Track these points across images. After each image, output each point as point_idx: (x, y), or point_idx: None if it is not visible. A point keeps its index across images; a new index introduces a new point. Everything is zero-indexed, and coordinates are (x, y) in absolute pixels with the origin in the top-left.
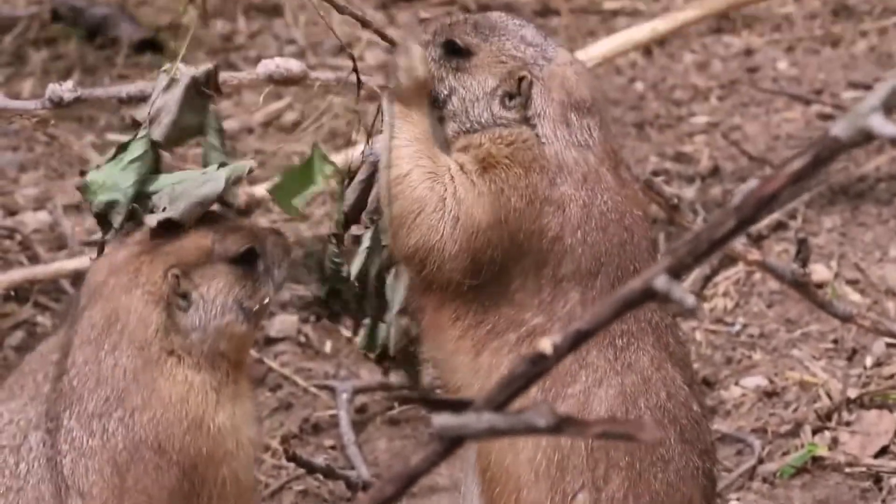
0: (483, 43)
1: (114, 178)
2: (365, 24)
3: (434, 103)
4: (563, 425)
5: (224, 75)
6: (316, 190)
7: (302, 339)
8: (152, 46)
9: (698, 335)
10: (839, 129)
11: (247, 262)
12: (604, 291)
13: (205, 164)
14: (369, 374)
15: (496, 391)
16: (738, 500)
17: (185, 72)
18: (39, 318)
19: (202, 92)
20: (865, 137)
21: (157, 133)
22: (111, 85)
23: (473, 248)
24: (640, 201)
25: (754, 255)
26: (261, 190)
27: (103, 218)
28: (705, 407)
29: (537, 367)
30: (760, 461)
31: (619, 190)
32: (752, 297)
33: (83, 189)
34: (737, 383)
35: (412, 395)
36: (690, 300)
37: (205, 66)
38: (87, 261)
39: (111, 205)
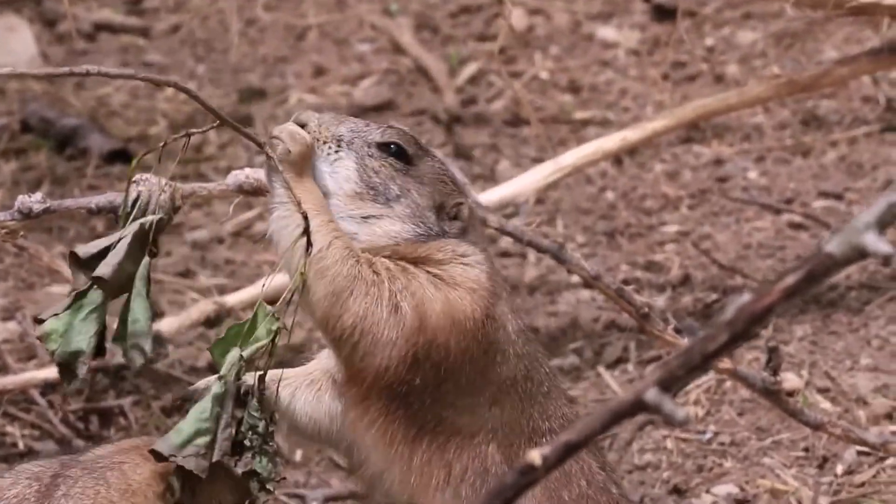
0: (426, 157)
1: (74, 328)
2: (221, 119)
3: (372, 198)
4: None
5: (194, 186)
6: (259, 343)
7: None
8: (122, 157)
9: (669, 443)
10: (833, 245)
11: None
12: (531, 395)
13: (125, 312)
14: (340, 483)
15: (485, 500)
16: None
17: (135, 222)
18: (9, 428)
19: (144, 241)
20: (859, 254)
21: (103, 272)
22: (81, 196)
23: (415, 343)
24: None
25: (725, 363)
26: (231, 299)
27: (66, 368)
28: (623, 487)
29: (526, 478)
30: None
31: None
32: (724, 405)
33: (43, 338)
34: (708, 491)
35: None
36: (681, 413)
37: (155, 217)
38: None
39: (75, 355)
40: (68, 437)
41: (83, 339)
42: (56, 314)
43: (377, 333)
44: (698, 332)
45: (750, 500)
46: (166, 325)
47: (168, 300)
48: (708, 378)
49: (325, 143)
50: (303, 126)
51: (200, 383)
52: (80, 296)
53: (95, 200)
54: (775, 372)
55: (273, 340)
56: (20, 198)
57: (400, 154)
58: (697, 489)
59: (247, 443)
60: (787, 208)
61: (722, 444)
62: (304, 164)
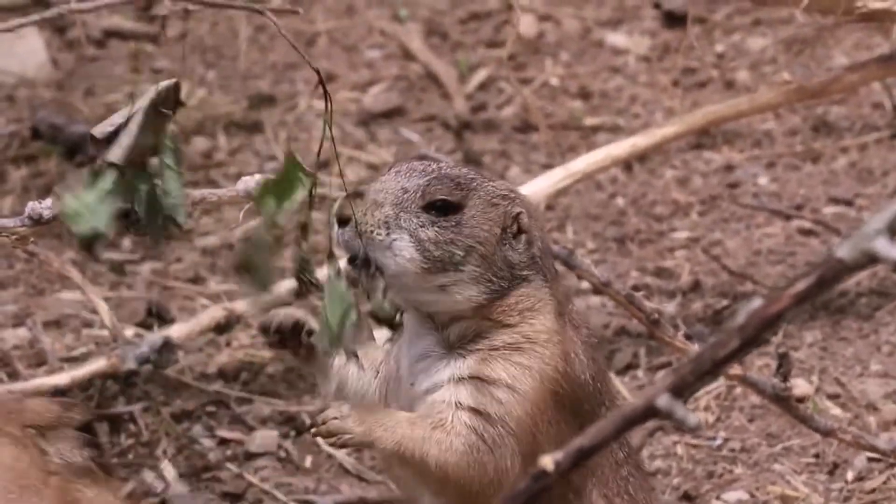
0: (469, 192)
1: (93, 209)
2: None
3: (441, 269)
4: None
5: (204, 192)
6: (295, 201)
7: (282, 454)
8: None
9: (679, 449)
10: (844, 251)
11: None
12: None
13: (153, 189)
14: (349, 489)
15: None
16: None
17: (147, 93)
18: None
19: (161, 111)
20: (869, 260)
21: (115, 155)
22: None
23: (531, 436)
24: None
25: (735, 369)
26: (241, 305)
27: (87, 248)
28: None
29: (539, 484)
30: None
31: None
32: (734, 412)
33: (63, 217)
34: (718, 497)
35: None
36: (693, 419)
37: (166, 83)
38: (67, 377)
39: (94, 237)
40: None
41: (101, 220)
42: (76, 194)
43: (504, 480)
44: (709, 337)
45: None
46: (176, 330)
47: (178, 306)
48: (718, 384)
49: (373, 231)
50: (345, 220)
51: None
52: (97, 176)
53: None
54: (785, 378)
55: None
56: (30, 204)
57: (446, 208)
58: (708, 495)
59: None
60: (797, 214)
61: (732, 450)
62: (364, 414)
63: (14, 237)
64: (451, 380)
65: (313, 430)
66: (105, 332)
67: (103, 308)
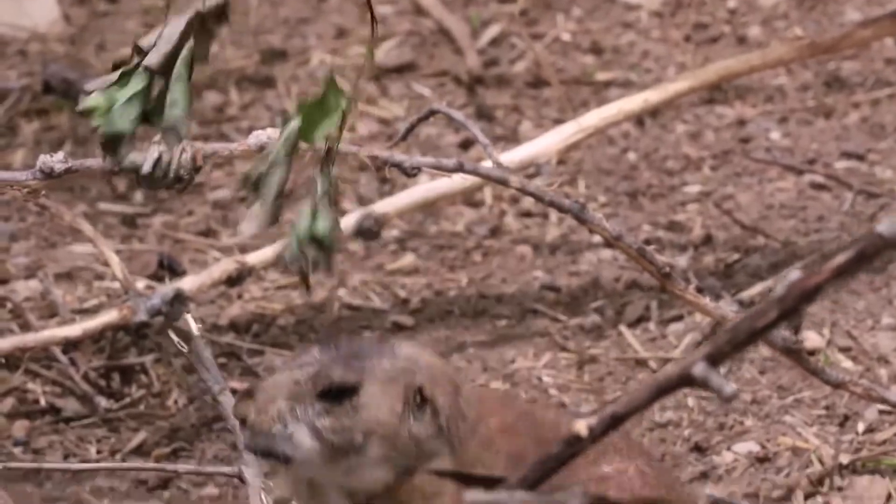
0: (364, 373)
1: (117, 110)
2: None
3: (343, 455)
4: None
5: (216, 146)
6: (332, 122)
7: None
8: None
9: (690, 401)
10: (884, 227)
11: None
12: None
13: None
14: None
15: (530, 471)
16: None
17: (193, 3)
18: (30, 386)
19: (205, 26)
20: None
21: (152, 60)
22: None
23: None
24: None
25: None
26: (253, 258)
27: (109, 148)
28: None
29: (572, 449)
30: None
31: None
32: (745, 364)
33: (86, 112)
34: (729, 448)
35: (444, 471)
36: (729, 388)
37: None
38: (78, 329)
39: (118, 136)
40: (90, 395)
41: (125, 121)
42: (99, 90)
43: None
44: (720, 291)
45: (771, 457)
46: (188, 283)
47: (190, 259)
48: None
49: (270, 427)
50: (244, 419)
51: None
52: (125, 76)
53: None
54: (797, 331)
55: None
56: (42, 157)
57: (341, 393)
58: (718, 447)
59: None
60: (809, 169)
61: (743, 402)
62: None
63: (26, 190)
64: None
65: None
66: (117, 285)
67: (115, 261)
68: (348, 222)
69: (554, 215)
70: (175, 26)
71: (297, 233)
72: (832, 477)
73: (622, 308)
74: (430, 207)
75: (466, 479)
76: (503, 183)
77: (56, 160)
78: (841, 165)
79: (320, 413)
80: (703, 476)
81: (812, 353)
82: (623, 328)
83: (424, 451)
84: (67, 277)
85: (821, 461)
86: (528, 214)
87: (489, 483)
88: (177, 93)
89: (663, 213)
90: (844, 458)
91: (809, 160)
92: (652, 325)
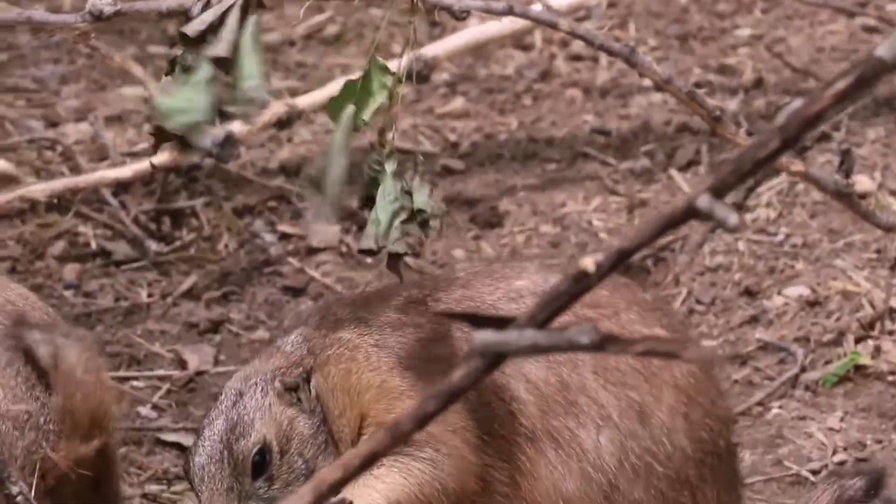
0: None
1: (188, 101)
2: None
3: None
4: (605, 343)
5: None
6: (377, 102)
7: (343, 248)
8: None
9: (741, 245)
10: (883, 50)
11: None
12: None
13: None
14: None
15: (538, 309)
16: (780, 408)
17: None
18: (81, 228)
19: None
20: None
21: (222, 49)
22: None
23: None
24: None
25: (798, 165)
26: (303, 101)
27: (188, 143)
28: None
29: (579, 286)
30: (803, 370)
31: None
32: (796, 208)
33: (163, 117)
34: (779, 293)
35: (455, 313)
36: (733, 219)
37: None
38: (129, 171)
39: (193, 127)
40: (140, 238)
41: (202, 111)
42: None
43: None
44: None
45: (821, 301)
46: (238, 126)
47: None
48: (780, 180)
49: None
50: None
51: None
52: (188, 70)
53: (167, 3)
54: (848, 174)
55: (390, 98)
56: (91, 0)
57: (262, 463)
58: (769, 291)
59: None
60: (861, 11)
61: (794, 245)
62: None
63: (76, 33)
64: None
65: None
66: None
67: None
68: (398, 66)
69: (604, 59)
70: (231, 14)
71: (382, 217)
72: (883, 320)
73: (672, 151)
74: (479, 50)
75: (475, 319)
76: (553, 26)
77: (105, 2)
78: (892, 8)
79: (265, 488)
80: (754, 320)
81: (863, 196)
82: (673, 172)
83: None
84: (118, 120)
85: (871, 305)
86: (578, 58)
87: (499, 323)
88: (248, 67)
89: (714, 56)
90: (895, 302)
91: (861, 3)
92: (702, 169)
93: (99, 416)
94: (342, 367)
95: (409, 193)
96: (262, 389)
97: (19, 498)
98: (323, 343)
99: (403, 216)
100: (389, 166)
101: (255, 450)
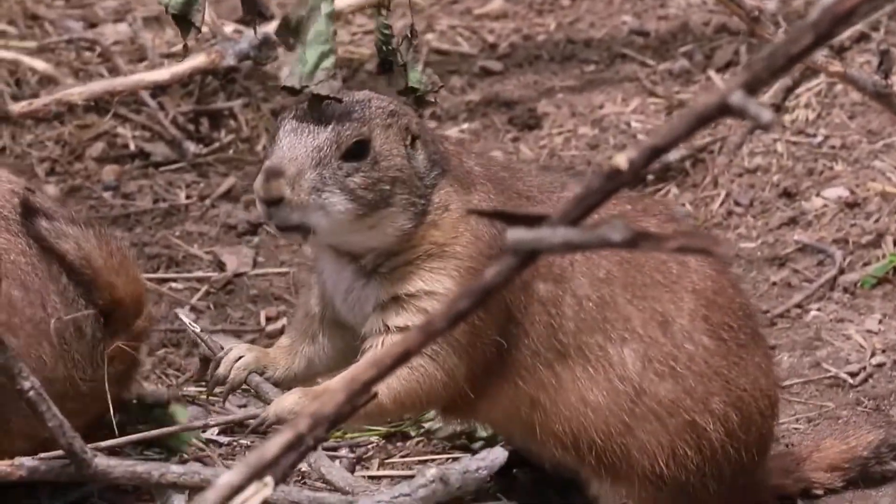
0: (370, 123)
1: (316, 60)
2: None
3: (374, 209)
4: (638, 240)
5: None
6: None
7: None
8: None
9: (780, 146)
10: None
11: None
12: None
13: None
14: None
15: (571, 206)
16: (818, 310)
17: None
18: (119, 130)
19: None
20: None
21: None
22: None
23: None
24: None
25: (836, 66)
26: (341, 2)
27: (182, 19)
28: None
29: (612, 183)
30: (841, 271)
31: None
32: (834, 109)
33: (292, 91)
34: (818, 194)
35: (485, 211)
36: (766, 115)
37: None
38: (167, 73)
39: (189, 4)
40: (178, 139)
41: (330, 62)
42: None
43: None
44: None
45: (860, 202)
46: (273, 27)
47: (277, 2)
48: (818, 81)
49: (306, 198)
50: (274, 201)
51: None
52: (295, 31)
53: None
54: (886, 75)
55: None
56: None
57: (363, 149)
58: (807, 192)
59: (392, 59)
60: None
61: (833, 147)
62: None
63: None
64: (376, 307)
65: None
66: (205, 29)
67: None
68: None
69: None
70: None
71: (310, 57)
72: None
73: (711, 52)
74: None
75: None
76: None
77: None
78: None
79: (350, 173)
80: (792, 222)
81: None
82: (712, 73)
83: (428, 185)
84: (156, 21)
85: None
86: None
87: (532, 221)
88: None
89: None
90: None
91: None
92: (740, 70)
93: (138, 301)
94: (454, 188)
95: (403, 67)
96: (392, 112)
97: (31, 393)
98: (452, 162)
99: (332, 58)
100: (326, 7)
101: (360, 137)
